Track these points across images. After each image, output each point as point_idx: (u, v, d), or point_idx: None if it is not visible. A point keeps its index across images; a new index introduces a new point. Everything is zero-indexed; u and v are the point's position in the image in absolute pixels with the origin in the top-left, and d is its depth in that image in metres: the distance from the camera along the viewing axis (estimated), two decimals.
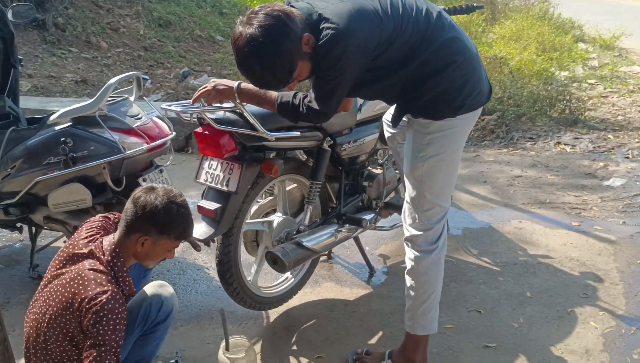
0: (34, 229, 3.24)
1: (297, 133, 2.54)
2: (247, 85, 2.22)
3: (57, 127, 2.86)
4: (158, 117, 3.15)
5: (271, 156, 2.57)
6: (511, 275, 3.12)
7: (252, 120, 2.35)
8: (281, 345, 2.63)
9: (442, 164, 2.18)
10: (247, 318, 2.82)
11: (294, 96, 2.14)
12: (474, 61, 2.13)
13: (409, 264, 2.30)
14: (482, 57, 6.53)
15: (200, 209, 2.44)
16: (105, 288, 1.79)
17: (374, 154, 3.11)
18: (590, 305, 2.84)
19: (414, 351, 2.36)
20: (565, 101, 5.87)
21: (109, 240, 1.93)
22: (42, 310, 1.90)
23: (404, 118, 2.26)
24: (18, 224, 3.20)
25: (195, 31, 9.16)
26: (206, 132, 2.39)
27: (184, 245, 3.45)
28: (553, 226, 3.68)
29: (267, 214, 2.80)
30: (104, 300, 1.76)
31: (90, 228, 2.01)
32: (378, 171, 3.12)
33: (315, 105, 2.08)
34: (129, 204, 1.89)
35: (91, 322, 1.75)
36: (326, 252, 3.16)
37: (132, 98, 3.11)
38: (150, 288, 2.09)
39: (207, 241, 2.42)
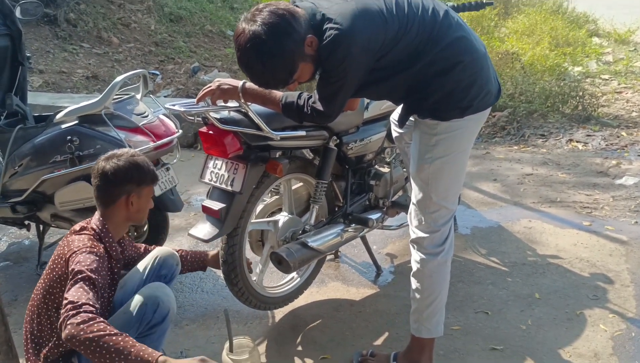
0: (41, 227, 3.26)
1: (302, 132, 2.51)
2: (252, 85, 2.20)
3: (63, 126, 2.87)
4: (165, 114, 3.14)
5: (277, 156, 2.56)
6: (520, 275, 3.09)
7: (256, 119, 2.33)
8: (286, 346, 2.62)
9: (448, 165, 2.15)
10: (252, 317, 2.81)
11: (299, 97, 2.12)
12: (482, 61, 2.09)
13: (414, 266, 2.27)
14: (494, 53, 6.53)
15: (205, 209, 2.42)
16: (88, 243, 1.93)
17: (382, 152, 3.09)
18: (600, 307, 2.80)
19: (420, 354, 2.33)
20: (578, 97, 5.79)
21: (95, 217, 2.07)
22: (37, 290, 2.01)
23: (410, 118, 2.23)
24: (26, 222, 3.22)
25: (206, 26, 9.17)
26: (210, 131, 2.37)
27: (191, 243, 3.46)
28: (563, 225, 3.63)
29: (272, 214, 2.78)
30: (84, 249, 1.89)
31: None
32: (385, 169, 3.09)
33: (319, 106, 2.06)
34: (98, 180, 2.01)
35: (69, 264, 1.85)
36: (332, 252, 3.14)
37: (138, 96, 3.11)
38: (147, 289, 2.07)
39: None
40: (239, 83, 2.22)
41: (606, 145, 5.00)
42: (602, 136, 5.18)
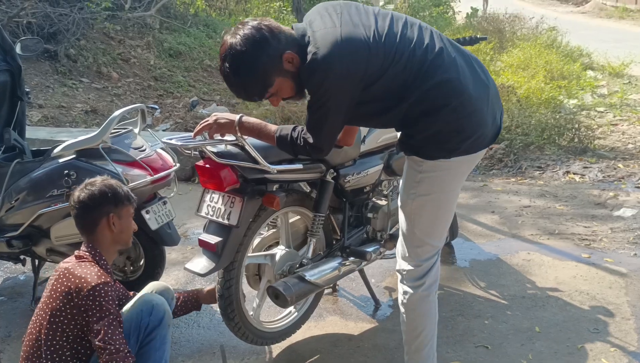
0: (37, 261, 3.24)
1: (299, 166, 2.52)
2: (249, 119, 2.22)
3: (60, 160, 2.88)
4: (162, 148, 3.15)
5: (273, 189, 2.56)
6: (519, 308, 3.05)
7: (253, 153, 2.34)
8: None
9: (431, 204, 2.13)
10: (249, 353, 2.77)
11: (293, 129, 2.13)
12: (476, 104, 2.02)
13: (400, 297, 2.27)
14: None
15: (202, 242, 2.41)
16: (93, 269, 2.00)
17: (379, 185, 3.08)
18: (601, 341, 2.76)
19: None
20: (574, 130, 5.83)
21: (82, 247, 2.12)
22: (37, 322, 2.02)
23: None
24: (21, 257, 3.19)
25: (205, 61, 9.28)
26: (207, 165, 2.38)
27: (187, 277, 3.43)
28: (562, 257, 3.61)
29: (269, 247, 2.77)
30: (95, 277, 1.96)
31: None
32: (383, 202, 3.08)
33: (309, 138, 2.06)
34: (76, 210, 2.10)
35: (90, 298, 1.93)
36: (330, 286, 3.12)
37: (136, 130, 3.12)
38: (138, 299, 2.13)
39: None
40: (235, 117, 2.24)
41: (603, 177, 5.01)
42: (598, 168, 5.20)
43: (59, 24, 8.26)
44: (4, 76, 3.24)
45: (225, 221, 2.39)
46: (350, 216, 2.95)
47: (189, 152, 2.34)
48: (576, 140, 5.73)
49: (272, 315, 2.92)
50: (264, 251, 2.72)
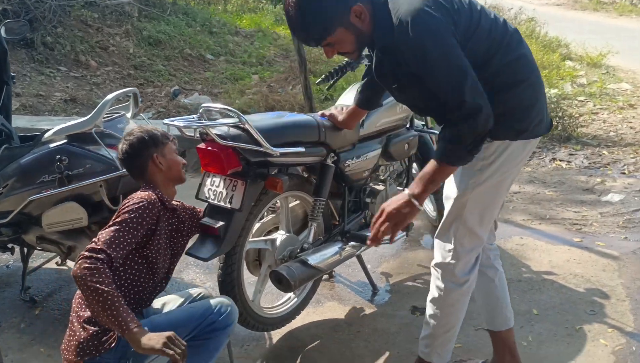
0: (25, 250, 3.14)
1: (301, 149, 2.49)
2: (416, 187, 1.91)
3: (52, 145, 2.79)
4: None
5: (274, 172, 2.52)
6: (516, 292, 3.07)
7: (256, 135, 2.30)
8: None
9: (490, 192, 2.04)
10: (249, 339, 2.74)
11: (442, 138, 1.90)
12: (542, 86, 2.02)
13: (435, 292, 2.17)
14: None
15: (203, 227, 2.36)
16: (146, 192, 2.06)
17: (377, 170, 3.07)
18: (599, 322, 2.79)
19: None
20: (557, 118, 5.88)
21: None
22: None
23: None
24: (9, 245, 3.09)
25: (185, 50, 9.12)
26: (209, 148, 2.32)
27: (181, 264, 3.37)
28: (555, 242, 3.64)
29: (269, 232, 2.73)
30: (145, 195, 2.03)
31: None
32: (380, 187, 3.07)
33: (457, 101, 1.79)
34: (124, 161, 2.17)
35: (126, 203, 1.99)
36: (331, 270, 3.09)
37: (129, 114, 3.05)
38: (218, 297, 2.17)
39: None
40: (405, 197, 1.92)
41: (589, 163, 5.07)
42: (584, 154, 5.26)
43: (35, 11, 8.03)
44: None
45: (228, 205, 2.34)
46: (349, 201, 2.92)
47: (192, 134, 2.29)
48: (560, 128, 5.78)
49: (271, 301, 2.88)
50: (264, 236, 2.68)
